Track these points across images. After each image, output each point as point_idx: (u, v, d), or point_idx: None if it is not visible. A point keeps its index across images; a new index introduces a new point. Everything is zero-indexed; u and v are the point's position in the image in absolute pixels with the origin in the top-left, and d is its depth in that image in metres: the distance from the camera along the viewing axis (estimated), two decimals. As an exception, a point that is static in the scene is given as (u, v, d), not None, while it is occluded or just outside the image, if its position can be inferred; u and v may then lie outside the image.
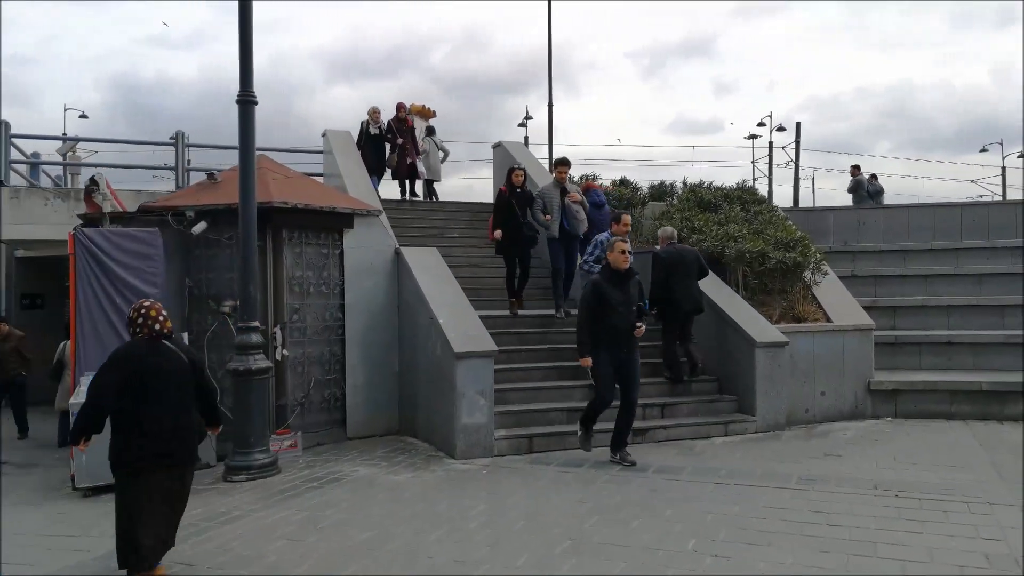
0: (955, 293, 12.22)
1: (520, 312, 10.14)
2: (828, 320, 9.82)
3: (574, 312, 8.45)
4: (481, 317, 9.44)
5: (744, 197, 13.14)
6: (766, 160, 36.80)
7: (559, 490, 6.51)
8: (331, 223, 8.90)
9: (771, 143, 36.00)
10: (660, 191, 14.82)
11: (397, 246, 9.28)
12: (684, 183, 14.51)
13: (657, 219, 12.03)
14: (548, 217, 9.74)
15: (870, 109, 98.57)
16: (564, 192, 9.92)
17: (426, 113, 21.84)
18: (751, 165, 47.18)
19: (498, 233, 10.00)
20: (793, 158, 33.99)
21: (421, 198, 14.56)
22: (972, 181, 37.47)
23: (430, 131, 16.33)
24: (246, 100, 7.32)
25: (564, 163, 10.26)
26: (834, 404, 9.49)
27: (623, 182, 14.51)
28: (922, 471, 6.96)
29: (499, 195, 10.29)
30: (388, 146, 13.99)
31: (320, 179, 14.51)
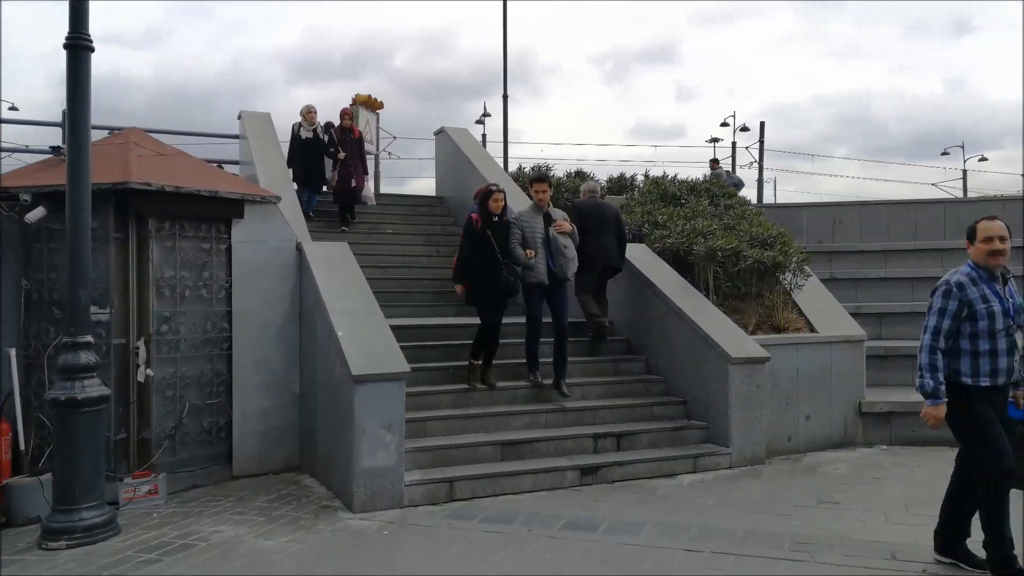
0: (944, 298, 10.71)
1: (482, 387, 7.29)
2: (812, 330, 8.22)
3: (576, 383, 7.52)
4: (409, 327, 7.81)
5: (713, 190, 11.57)
6: (729, 162, 35.50)
7: (481, 560, 4.78)
8: (214, 212, 7.06)
9: (734, 143, 34.57)
10: (620, 184, 13.20)
11: (299, 241, 7.46)
12: (646, 175, 12.91)
13: (615, 213, 10.35)
14: (531, 254, 7.21)
15: (827, 116, 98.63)
16: (548, 219, 7.41)
17: (373, 104, 20.02)
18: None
19: (459, 287, 7.44)
20: (757, 159, 32.69)
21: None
22: (934, 184, 36.42)
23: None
24: (77, 43, 5.46)
25: (542, 180, 7.57)
26: (820, 430, 7.89)
27: (579, 174, 12.84)
28: (945, 528, 5.34)
29: (469, 225, 7.36)
30: (329, 160, 11.50)
31: (236, 168, 12.67)
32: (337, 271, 7.12)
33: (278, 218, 7.43)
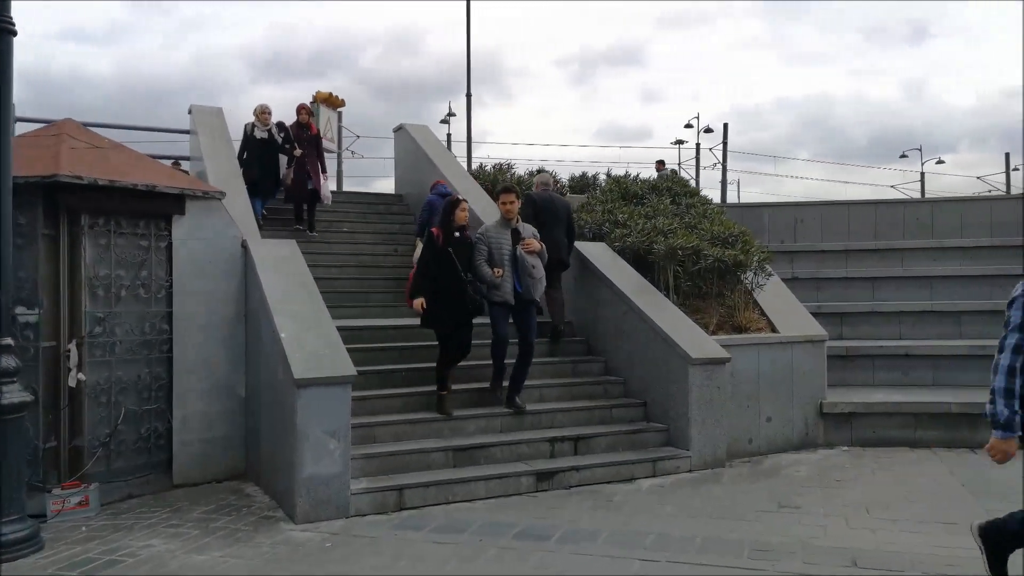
0: (905, 298, 10.71)
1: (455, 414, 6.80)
2: (774, 330, 8.08)
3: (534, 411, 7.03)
4: (363, 328, 7.56)
5: (674, 189, 11.39)
6: (693, 164, 35.58)
7: (427, 574, 4.52)
8: (153, 207, 6.68)
9: (698, 144, 34.54)
10: (582, 183, 13.01)
11: (244, 238, 7.12)
12: (608, 174, 12.72)
13: (576, 211, 10.14)
14: (498, 272, 6.80)
15: (789, 119, 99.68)
16: (517, 236, 7.00)
17: (334, 102, 19.62)
18: (678, 167, 45.99)
19: (419, 302, 6.67)
20: (720, 160, 32.78)
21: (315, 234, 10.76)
22: (892, 187, 36.88)
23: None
24: (1, 28, 5.09)
25: (510, 191, 7.07)
26: (781, 431, 7.73)
27: (540, 172, 12.58)
28: (906, 532, 5.19)
29: (430, 240, 6.85)
30: (285, 159, 10.84)
31: (187, 164, 12.25)
32: (283, 270, 6.80)
33: (222, 214, 7.08)
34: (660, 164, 18.21)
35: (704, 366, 6.94)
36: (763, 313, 8.38)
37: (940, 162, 37.74)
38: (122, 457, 6.44)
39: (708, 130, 34.63)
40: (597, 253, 8.39)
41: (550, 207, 8.09)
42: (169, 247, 6.81)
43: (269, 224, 10.40)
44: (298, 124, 11.01)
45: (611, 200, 10.24)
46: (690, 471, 6.83)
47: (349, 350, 7.21)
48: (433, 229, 6.90)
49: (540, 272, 6.92)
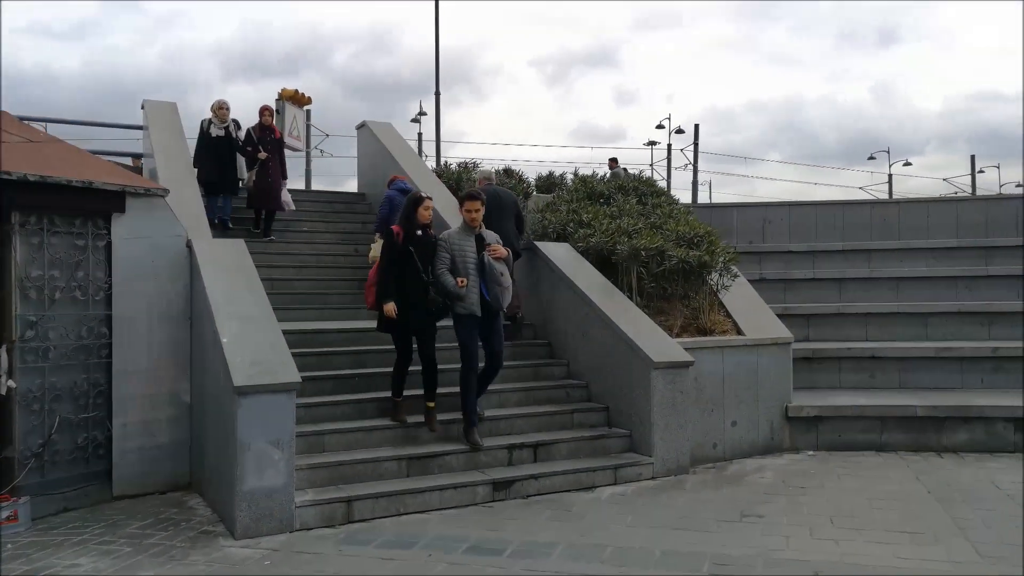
0: (872, 299, 10.60)
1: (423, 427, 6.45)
2: (739, 332, 7.89)
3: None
4: (317, 331, 7.31)
5: (641, 189, 11.18)
6: (665, 164, 35.55)
7: (366, 597, 4.24)
8: (90, 204, 6.32)
9: (669, 145, 34.46)
10: (549, 183, 12.75)
11: (189, 237, 6.78)
12: (575, 174, 12.47)
13: (541, 211, 9.91)
14: (462, 282, 6.34)
15: (762, 122, 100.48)
16: (481, 242, 6.53)
17: (300, 99, 19.22)
18: (650, 168, 46.07)
19: (390, 307, 6.25)
20: (692, 160, 32.76)
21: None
22: (861, 188, 37.23)
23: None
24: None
25: (474, 197, 6.57)
26: (746, 436, 7.55)
27: (507, 171, 12.35)
28: (873, 543, 5.00)
29: (389, 238, 6.46)
30: (245, 160, 10.39)
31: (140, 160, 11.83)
32: (229, 270, 6.47)
33: (166, 212, 6.73)
34: (613, 162, 17.75)
35: (667, 370, 6.73)
36: (729, 315, 8.19)
37: (907, 164, 38.09)
38: (57, 468, 6.08)
39: (679, 131, 34.59)
40: (560, 254, 8.15)
41: (495, 201, 7.86)
42: (108, 247, 6.45)
43: (233, 235, 9.89)
44: (261, 126, 10.45)
45: (576, 200, 10.01)
46: (652, 478, 6.61)
47: (302, 354, 6.94)
48: (394, 227, 6.49)
49: (508, 280, 6.43)
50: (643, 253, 7.73)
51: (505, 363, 7.44)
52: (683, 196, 27.67)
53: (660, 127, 35.98)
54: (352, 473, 5.84)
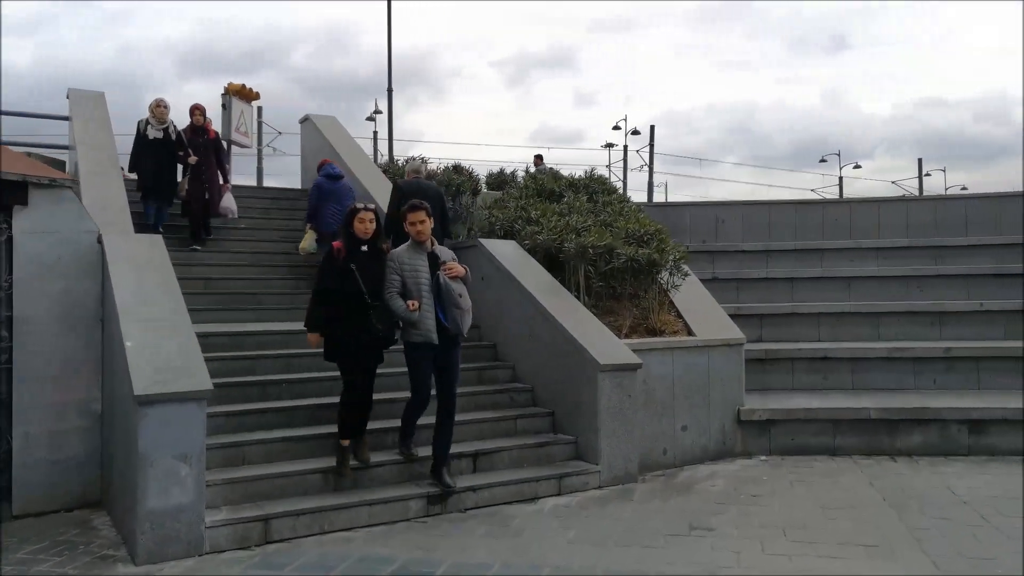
0: (823, 299, 10.38)
1: (355, 463, 5.63)
2: (690, 333, 7.55)
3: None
4: (248, 333, 6.84)
5: (593, 186, 10.85)
6: (621, 165, 35.40)
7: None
8: (-13, 197, 5.75)
9: (625, 147, 34.53)
10: (499, 180, 12.35)
11: (102, 233, 6.21)
12: (527, 171, 12.09)
13: (489, 208, 9.50)
14: (414, 305, 5.46)
15: (717, 125, 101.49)
16: (435, 260, 5.66)
17: (247, 94, 18.52)
18: (607, 169, 45.98)
19: (314, 339, 5.65)
20: (648, 161, 32.64)
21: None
22: (812, 190, 37.46)
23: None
24: None
25: (418, 208, 5.62)
26: (697, 440, 7.21)
27: (456, 168, 11.89)
28: (827, 558, 4.67)
29: (328, 257, 5.63)
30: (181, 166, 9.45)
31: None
32: (141, 268, 5.92)
33: (74, 206, 6.15)
34: (538, 159, 17.10)
35: (614, 373, 6.36)
36: (679, 315, 7.86)
37: (857, 167, 38.71)
38: (-54, 485, 5.48)
39: (635, 132, 34.50)
40: (506, 252, 7.74)
41: (419, 195, 7.36)
42: (9, 242, 5.87)
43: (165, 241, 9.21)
44: (192, 128, 9.59)
45: (526, 197, 9.61)
46: (599, 487, 6.23)
47: (229, 358, 6.45)
48: (335, 243, 5.67)
49: (468, 301, 5.60)
50: (591, 251, 7.35)
51: (446, 367, 7.03)
52: (639, 197, 27.49)
53: (616, 128, 35.95)
54: (273, 488, 5.34)
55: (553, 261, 7.85)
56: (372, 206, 5.75)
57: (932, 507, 5.64)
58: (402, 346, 5.68)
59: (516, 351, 7.35)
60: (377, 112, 31.57)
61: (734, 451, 7.39)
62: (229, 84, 18.13)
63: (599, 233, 7.67)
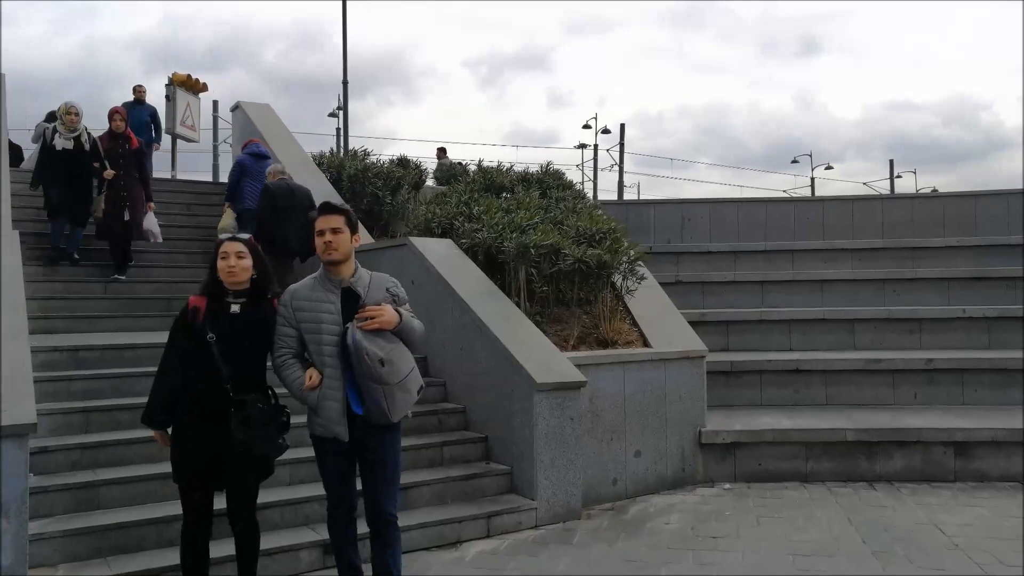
0: (795, 304, 9.55)
1: None
2: (646, 344, 6.66)
3: None
4: (136, 347, 5.86)
5: (547, 181, 9.98)
6: (592, 165, 34.59)
7: None
8: None
9: (596, 146, 33.74)
10: (449, 175, 11.40)
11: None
12: (479, 165, 11.15)
13: (428, 203, 8.56)
14: (314, 379, 3.62)
15: (689, 127, 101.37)
16: (354, 300, 3.65)
17: (194, 85, 17.42)
18: (579, 169, 45.21)
19: (158, 435, 3.79)
20: (617, 160, 31.89)
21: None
22: (784, 191, 36.95)
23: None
24: None
25: (332, 211, 3.70)
26: (653, 467, 6.32)
27: (402, 162, 10.92)
28: (797, 628, 3.78)
29: (180, 318, 3.75)
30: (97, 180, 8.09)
31: None
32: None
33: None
34: (441, 152, 16.07)
35: (553, 392, 5.44)
36: (635, 323, 6.97)
37: (829, 168, 38.25)
38: None
39: (606, 131, 33.76)
40: (440, 252, 6.79)
41: (288, 194, 7.45)
42: None
43: (80, 272, 7.99)
44: (111, 135, 8.12)
45: (472, 191, 8.67)
46: (535, 527, 5.31)
47: (96, 376, 5.47)
48: (191, 298, 3.73)
49: (399, 368, 3.60)
50: (533, 251, 6.43)
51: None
52: (610, 197, 26.69)
53: (587, 127, 35.21)
54: (130, 539, 4.35)
55: (495, 263, 6.94)
56: (247, 236, 3.81)
57: (921, 553, 4.79)
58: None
59: (448, 366, 6.41)
60: (339, 108, 30.41)
61: (695, 478, 6.51)
62: (174, 74, 17.01)
63: (544, 231, 6.76)
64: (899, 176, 39.05)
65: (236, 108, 11.19)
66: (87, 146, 7.97)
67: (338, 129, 29.31)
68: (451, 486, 5.41)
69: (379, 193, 9.06)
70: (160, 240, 8.50)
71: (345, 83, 19.45)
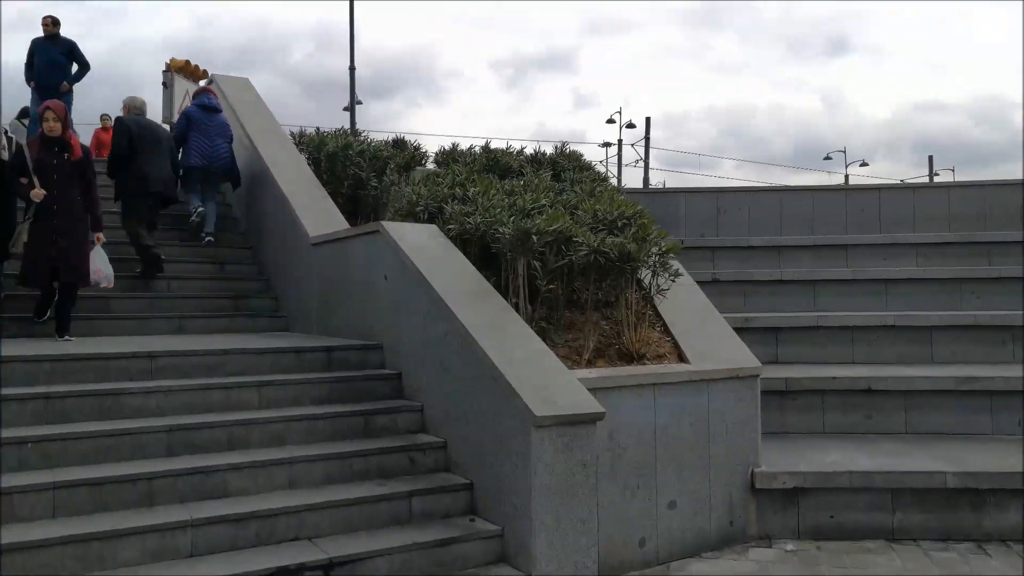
0: (854, 307, 7.95)
1: None
2: (681, 359, 5.12)
3: None
4: None
5: (561, 163, 8.46)
6: (616, 161, 32.99)
7: None
8: None
9: (620, 141, 32.19)
10: (450, 156, 9.90)
11: None
12: (485, 146, 9.64)
13: (417, 184, 7.07)
14: None
15: (714, 128, 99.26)
16: None
17: (193, 72, 16.22)
18: (602, 165, 43.62)
19: None
20: (642, 156, 30.29)
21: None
22: (817, 188, 35.07)
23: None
24: None
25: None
26: (692, 522, 4.77)
27: (397, 143, 9.44)
28: None
29: None
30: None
31: None
32: None
33: None
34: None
35: (558, 428, 3.91)
36: (667, 331, 5.43)
37: (864, 164, 36.26)
38: None
39: (631, 125, 32.24)
40: (418, 240, 5.28)
41: (147, 130, 7.12)
42: None
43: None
44: (42, 140, 5.73)
45: (468, 172, 7.16)
46: (532, 616, 3.79)
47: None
48: None
49: None
50: (535, 238, 4.90)
51: (315, 410, 4.64)
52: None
53: (611, 121, 33.63)
54: None
55: (491, 255, 5.44)
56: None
57: None
58: None
59: (426, 386, 4.91)
60: (357, 102, 29.37)
61: (746, 535, 4.94)
62: (171, 60, 15.84)
63: (553, 216, 5.23)
64: (937, 174, 37.03)
65: (210, 82, 9.79)
66: (7, 154, 5.79)
67: (353, 124, 28.15)
68: (417, 556, 3.90)
69: (362, 174, 7.59)
70: (112, 284, 6.21)
71: (352, 68, 18.11)
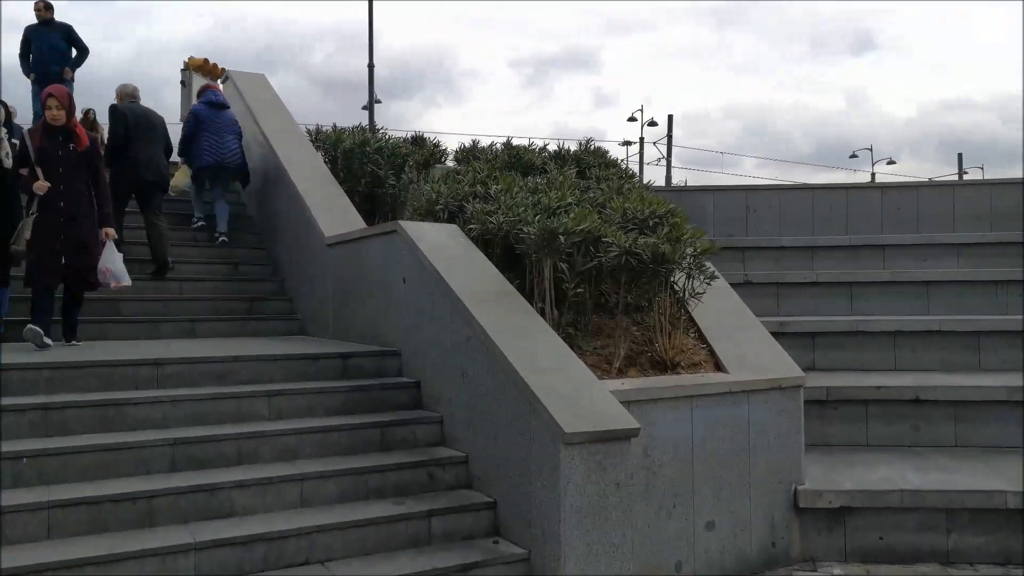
0: (894, 310, 7.57)
1: None
2: (718, 368, 4.79)
3: None
4: None
5: (586, 160, 8.14)
6: (637, 159, 32.60)
7: None
8: None
9: (642, 139, 31.79)
10: (470, 153, 9.62)
11: None
12: (507, 143, 9.34)
13: (437, 182, 6.78)
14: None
15: (736, 127, 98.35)
16: None
17: (211, 70, 15.99)
18: (624, 163, 43.18)
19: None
20: (663, 154, 29.86)
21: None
22: (842, 186, 34.45)
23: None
24: None
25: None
26: (732, 544, 4.44)
27: (416, 140, 9.18)
28: None
29: None
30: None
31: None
32: None
33: None
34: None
35: (590, 447, 3.60)
36: (702, 338, 5.10)
37: (891, 163, 35.53)
38: None
39: (652, 123, 31.83)
40: (438, 240, 5.00)
41: (142, 118, 6.96)
42: None
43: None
44: (45, 128, 5.26)
45: (490, 169, 6.86)
46: (561, 649, 3.49)
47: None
48: None
49: None
50: (563, 238, 4.59)
51: (329, 421, 4.37)
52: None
53: (632, 119, 33.23)
54: None
55: (515, 257, 5.14)
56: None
57: None
58: None
59: (447, 396, 4.62)
60: (377, 101, 29.21)
61: (789, 556, 4.61)
62: (190, 58, 15.63)
63: (580, 215, 4.91)
64: (966, 172, 36.20)
65: (225, 79, 9.58)
66: (6, 157, 5.39)
67: (372, 122, 27.98)
68: (438, 581, 3.62)
69: (379, 172, 7.32)
70: (126, 283, 5.58)
71: (371, 66, 17.89)
